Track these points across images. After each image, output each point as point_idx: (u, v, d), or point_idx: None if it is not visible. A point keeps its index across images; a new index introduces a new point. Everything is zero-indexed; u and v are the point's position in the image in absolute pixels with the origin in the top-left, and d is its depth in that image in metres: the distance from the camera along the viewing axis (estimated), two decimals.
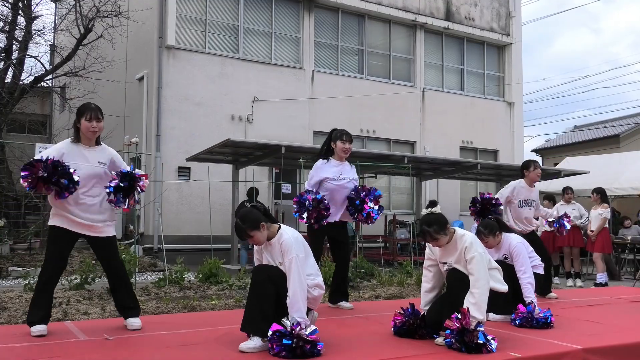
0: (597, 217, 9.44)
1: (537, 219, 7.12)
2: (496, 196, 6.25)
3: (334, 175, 5.38)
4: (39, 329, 3.99)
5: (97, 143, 4.32)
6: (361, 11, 15.60)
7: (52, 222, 4.16)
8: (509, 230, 5.31)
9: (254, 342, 3.60)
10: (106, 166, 4.28)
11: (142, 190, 4.34)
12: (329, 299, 5.59)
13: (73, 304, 5.97)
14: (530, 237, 6.39)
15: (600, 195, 9.62)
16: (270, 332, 3.50)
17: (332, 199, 5.36)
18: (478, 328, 3.65)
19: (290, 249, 3.67)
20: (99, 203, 4.21)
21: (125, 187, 4.19)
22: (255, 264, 3.97)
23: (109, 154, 4.35)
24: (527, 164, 6.79)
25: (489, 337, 3.68)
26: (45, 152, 4.19)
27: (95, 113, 4.19)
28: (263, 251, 3.87)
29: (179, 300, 6.34)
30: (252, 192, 10.88)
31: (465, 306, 3.76)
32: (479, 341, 3.61)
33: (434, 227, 3.95)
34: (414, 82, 16.43)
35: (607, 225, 9.67)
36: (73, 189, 4.00)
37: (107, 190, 4.16)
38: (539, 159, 23.48)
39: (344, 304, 5.50)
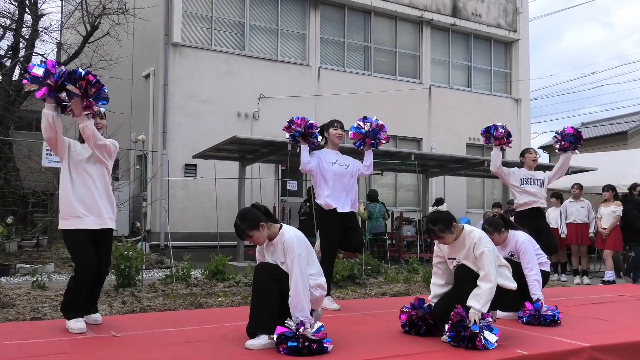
0: (610, 214, 9.28)
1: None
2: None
3: (330, 160, 5.38)
4: (78, 326, 4.04)
5: None
6: (367, 7, 15.57)
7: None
8: (515, 227, 5.30)
9: (261, 340, 3.60)
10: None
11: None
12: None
13: None
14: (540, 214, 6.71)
15: (615, 192, 9.54)
16: (275, 336, 3.50)
17: (337, 186, 5.35)
18: (475, 320, 3.65)
19: (292, 248, 3.66)
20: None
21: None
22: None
23: None
24: (522, 152, 7.08)
25: (486, 327, 3.66)
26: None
27: (97, 111, 4.27)
28: (264, 252, 3.88)
29: (185, 297, 6.37)
30: (311, 192, 10.69)
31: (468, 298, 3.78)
32: (473, 331, 3.61)
33: (439, 225, 3.97)
34: (421, 78, 16.39)
35: (618, 223, 9.58)
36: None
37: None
38: (546, 155, 23.39)
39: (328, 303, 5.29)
